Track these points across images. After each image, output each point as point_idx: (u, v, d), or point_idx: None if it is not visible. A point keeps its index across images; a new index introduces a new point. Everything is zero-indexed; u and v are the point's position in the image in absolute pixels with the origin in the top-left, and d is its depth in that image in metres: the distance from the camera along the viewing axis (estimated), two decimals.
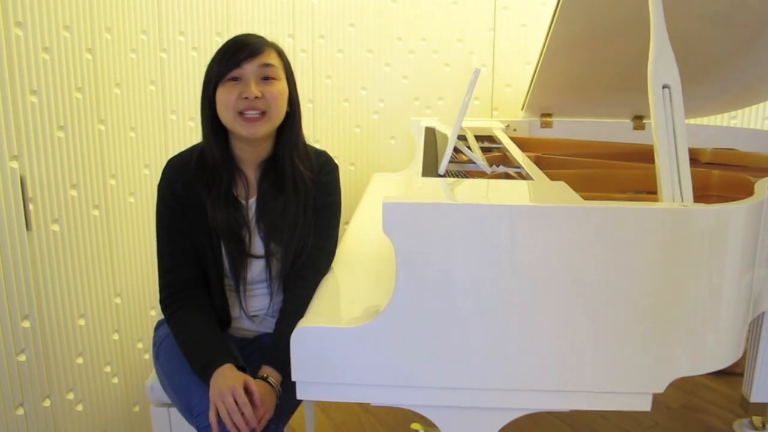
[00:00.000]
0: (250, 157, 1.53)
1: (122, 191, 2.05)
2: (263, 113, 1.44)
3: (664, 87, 1.31)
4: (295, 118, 1.53)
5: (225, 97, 1.43)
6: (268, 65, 1.44)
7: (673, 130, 1.29)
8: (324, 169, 1.59)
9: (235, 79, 1.43)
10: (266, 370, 1.40)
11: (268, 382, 1.37)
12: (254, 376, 1.38)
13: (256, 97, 1.41)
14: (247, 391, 1.30)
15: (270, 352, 1.44)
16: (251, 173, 1.54)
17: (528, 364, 1.20)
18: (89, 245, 1.90)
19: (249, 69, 1.42)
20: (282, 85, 1.47)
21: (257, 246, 1.53)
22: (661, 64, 1.31)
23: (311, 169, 1.55)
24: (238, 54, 1.42)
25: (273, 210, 1.51)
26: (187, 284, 1.50)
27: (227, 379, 1.31)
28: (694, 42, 2.05)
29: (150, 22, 2.18)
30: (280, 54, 1.50)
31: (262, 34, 1.50)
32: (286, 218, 1.50)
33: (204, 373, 1.36)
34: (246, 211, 1.52)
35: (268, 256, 1.52)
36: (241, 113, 1.43)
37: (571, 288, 1.17)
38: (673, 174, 1.27)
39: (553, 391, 1.23)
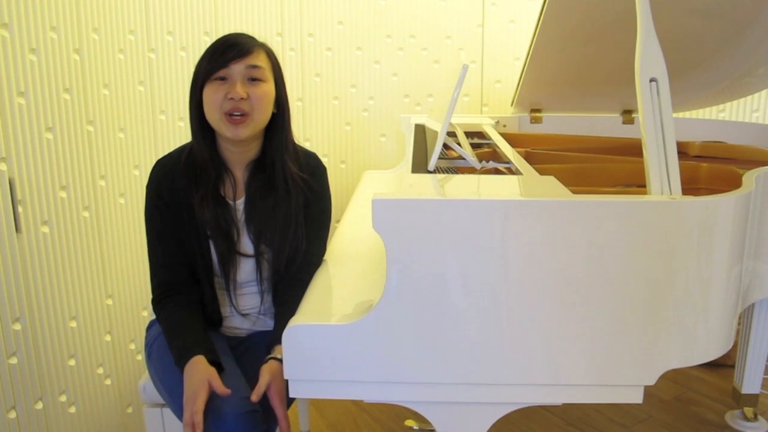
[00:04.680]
0: (238, 158, 1.53)
1: (112, 192, 2.05)
2: (246, 114, 1.43)
3: (651, 80, 1.31)
4: (284, 120, 1.53)
5: (211, 96, 1.43)
6: (255, 66, 1.44)
7: (660, 123, 1.29)
8: (315, 174, 1.59)
9: (222, 78, 1.43)
10: (280, 350, 1.35)
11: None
12: (248, 373, 1.39)
13: (242, 98, 1.41)
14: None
15: (277, 334, 1.40)
16: (239, 174, 1.54)
17: (519, 359, 1.20)
18: (79, 247, 1.89)
19: (236, 69, 1.42)
20: (268, 87, 1.47)
21: (246, 245, 1.53)
22: (647, 58, 1.31)
23: (301, 169, 1.55)
24: (226, 53, 1.42)
25: (263, 211, 1.51)
26: (178, 284, 1.50)
27: (193, 378, 1.31)
28: (682, 35, 2.05)
29: (138, 22, 2.17)
30: (270, 55, 1.50)
31: (250, 32, 1.49)
32: (277, 219, 1.50)
33: (180, 366, 1.36)
34: (234, 211, 1.52)
35: (257, 257, 1.52)
36: (226, 113, 1.42)
37: (561, 282, 1.17)
38: (661, 167, 1.27)
39: (545, 384, 1.23)
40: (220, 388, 1.29)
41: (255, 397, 1.31)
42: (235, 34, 1.47)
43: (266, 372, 1.34)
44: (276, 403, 1.33)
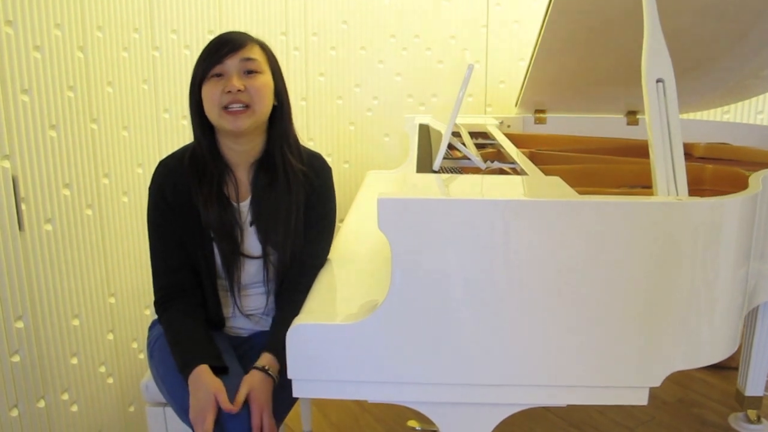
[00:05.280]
0: (241, 158, 1.52)
1: (115, 190, 2.05)
2: (247, 106, 1.43)
3: (657, 81, 1.31)
4: (284, 111, 1.52)
5: (209, 93, 1.43)
6: (249, 59, 1.44)
7: (667, 124, 1.29)
8: (320, 175, 1.57)
9: (218, 75, 1.43)
10: (265, 359, 1.38)
11: (268, 374, 1.36)
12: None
13: (239, 90, 1.41)
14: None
15: (271, 340, 1.43)
16: (243, 175, 1.53)
17: (523, 359, 1.20)
18: (83, 245, 1.89)
19: (231, 64, 1.42)
20: (265, 78, 1.46)
21: (251, 246, 1.52)
22: (654, 58, 1.31)
23: (302, 163, 1.54)
24: (220, 50, 1.42)
25: (268, 209, 1.50)
26: (180, 286, 1.49)
27: (200, 392, 1.31)
28: (688, 36, 2.05)
29: (142, 20, 2.17)
30: (264, 48, 1.50)
31: (254, 32, 1.49)
32: (280, 215, 1.49)
33: (184, 375, 1.36)
34: (238, 213, 1.51)
35: (265, 257, 1.52)
36: (225, 108, 1.42)
37: (566, 282, 1.17)
38: (667, 167, 1.27)
39: (549, 386, 1.23)
40: (226, 405, 1.29)
41: (234, 406, 1.30)
42: (228, 32, 1.47)
43: (245, 384, 1.34)
44: (254, 412, 1.31)
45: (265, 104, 1.47)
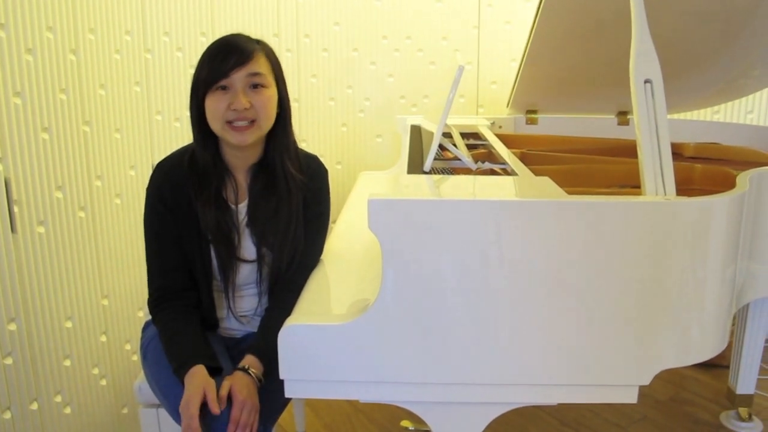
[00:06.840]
0: (241, 161, 1.52)
1: (108, 192, 2.05)
2: (252, 121, 1.43)
3: (645, 82, 1.32)
4: (286, 120, 1.52)
5: (214, 106, 1.41)
6: (257, 74, 1.42)
7: (655, 124, 1.30)
8: (316, 178, 1.58)
9: (223, 87, 1.41)
10: (248, 360, 1.40)
11: (248, 373, 1.36)
12: None
13: (245, 108, 1.41)
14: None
15: (255, 342, 1.44)
16: (241, 177, 1.53)
17: (514, 359, 1.21)
18: (75, 247, 1.89)
19: (237, 78, 1.40)
20: (271, 92, 1.46)
21: (247, 249, 1.52)
22: (642, 60, 1.32)
23: (301, 171, 1.55)
24: (226, 61, 1.40)
25: (265, 213, 1.50)
26: (175, 288, 1.50)
27: (191, 386, 1.31)
28: (677, 37, 2.06)
29: (134, 22, 2.17)
30: (269, 56, 1.48)
31: (246, 34, 1.48)
32: (278, 221, 1.50)
33: (179, 376, 1.36)
34: (236, 215, 1.52)
35: (259, 260, 1.52)
36: (230, 122, 1.42)
37: (556, 282, 1.18)
38: (655, 168, 1.28)
39: (539, 384, 1.24)
40: (213, 405, 1.28)
41: (219, 402, 1.30)
42: (233, 37, 1.45)
43: (227, 381, 1.34)
44: (234, 406, 1.31)
45: (270, 118, 1.47)
